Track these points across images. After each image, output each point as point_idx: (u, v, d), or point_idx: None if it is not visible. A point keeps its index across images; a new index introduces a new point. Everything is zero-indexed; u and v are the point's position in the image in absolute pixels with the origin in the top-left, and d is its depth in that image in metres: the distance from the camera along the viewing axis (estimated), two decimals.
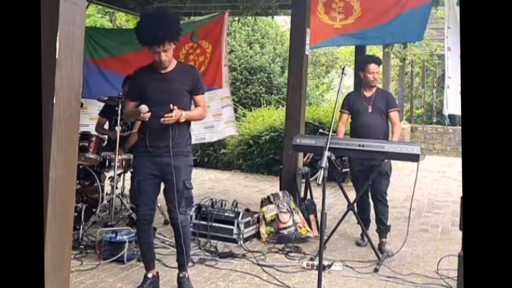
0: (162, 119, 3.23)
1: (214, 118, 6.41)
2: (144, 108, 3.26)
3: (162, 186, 3.49)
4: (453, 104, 4.73)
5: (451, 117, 15.56)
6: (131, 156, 5.22)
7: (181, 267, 3.51)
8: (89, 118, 6.33)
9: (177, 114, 3.26)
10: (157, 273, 3.57)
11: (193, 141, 5.40)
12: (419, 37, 5.80)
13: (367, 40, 6.03)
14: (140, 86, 3.43)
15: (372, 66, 4.80)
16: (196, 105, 3.53)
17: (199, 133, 6.33)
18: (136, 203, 3.53)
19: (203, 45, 6.43)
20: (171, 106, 3.26)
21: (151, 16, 3.47)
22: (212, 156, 10.13)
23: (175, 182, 3.31)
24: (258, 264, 4.16)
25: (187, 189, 3.39)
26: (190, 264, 3.74)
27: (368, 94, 4.86)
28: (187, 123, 3.46)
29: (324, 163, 3.09)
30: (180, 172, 3.35)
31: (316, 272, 3.44)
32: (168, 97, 3.32)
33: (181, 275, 3.50)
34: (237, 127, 6.84)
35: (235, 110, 11.38)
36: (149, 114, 3.27)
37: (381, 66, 5.04)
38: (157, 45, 3.24)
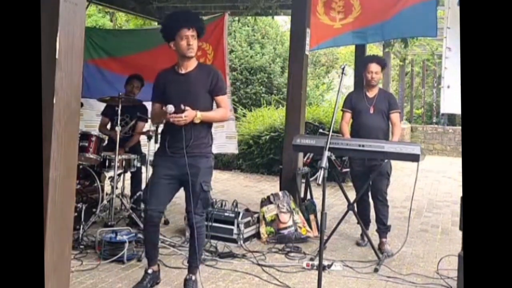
0: (171, 119, 3.21)
1: (215, 130, 6.32)
2: (170, 108, 3.22)
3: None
4: (449, 103, 4.73)
5: (450, 117, 15.59)
6: (131, 156, 5.23)
7: (190, 269, 3.49)
8: (85, 126, 6.19)
9: (189, 114, 3.22)
10: (158, 266, 3.60)
11: None
12: (429, 33, 5.75)
13: (367, 38, 6.02)
14: (162, 87, 3.43)
15: (372, 65, 4.81)
16: (217, 106, 3.46)
17: None
18: (146, 201, 3.52)
19: (204, 47, 6.41)
20: (182, 106, 3.22)
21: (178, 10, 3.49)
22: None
23: (192, 184, 3.30)
24: (258, 264, 4.16)
25: (204, 191, 3.36)
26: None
27: (370, 94, 4.86)
28: (208, 124, 3.42)
29: (324, 163, 3.09)
30: (198, 174, 3.33)
31: (316, 272, 3.44)
32: (186, 98, 3.29)
33: (187, 277, 3.48)
34: (237, 144, 6.77)
35: (235, 110, 11.44)
36: (175, 115, 3.23)
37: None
38: (187, 27, 3.27)
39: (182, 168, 3.30)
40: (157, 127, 4.87)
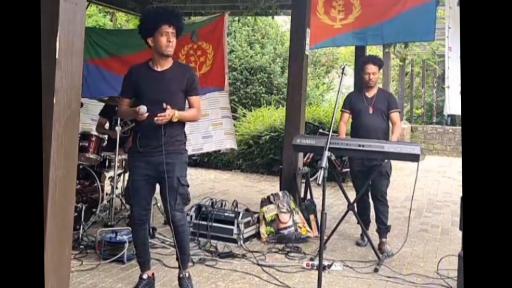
0: (155, 119, 3.20)
1: (213, 128, 6.31)
2: (143, 108, 3.23)
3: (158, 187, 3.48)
4: (454, 104, 4.73)
5: (451, 117, 15.59)
6: None
7: (182, 265, 3.49)
8: (82, 128, 6.12)
9: (170, 113, 3.24)
10: (153, 274, 3.55)
11: (191, 152, 5.34)
12: (427, 37, 5.73)
13: (367, 40, 6.01)
14: (135, 83, 3.40)
15: (368, 66, 4.82)
16: (190, 106, 3.50)
17: (196, 143, 6.19)
18: (130, 203, 3.51)
19: (204, 46, 6.41)
20: (164, 105, 3.23)
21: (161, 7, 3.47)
22: (212, 156, 10.14)
23: (169, 179, 3.29)
24: (258, 264, 4.16)
25: (182, 185, 3.36)
26: (190, 264, 3.73)
27: (369, 94, 4.87)
28: (182, 123, 3.44)
29: (324, 163, 3.09)
30: (174, 169, 3.33)
31: (316, 272, 3.44)
32: (162, 96, 3.29)
33: (180, 275, 3.48)
34: (236, 141, 6.77)
35: (235, 110, 11.44)
36: (146, 115, 3.23)
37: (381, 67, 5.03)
38: (168, 24, 3.27)
39: (157, 167, 3.30)
40: None
